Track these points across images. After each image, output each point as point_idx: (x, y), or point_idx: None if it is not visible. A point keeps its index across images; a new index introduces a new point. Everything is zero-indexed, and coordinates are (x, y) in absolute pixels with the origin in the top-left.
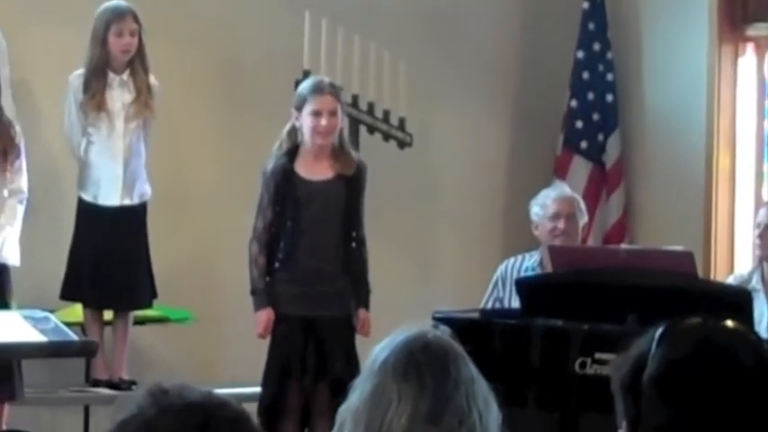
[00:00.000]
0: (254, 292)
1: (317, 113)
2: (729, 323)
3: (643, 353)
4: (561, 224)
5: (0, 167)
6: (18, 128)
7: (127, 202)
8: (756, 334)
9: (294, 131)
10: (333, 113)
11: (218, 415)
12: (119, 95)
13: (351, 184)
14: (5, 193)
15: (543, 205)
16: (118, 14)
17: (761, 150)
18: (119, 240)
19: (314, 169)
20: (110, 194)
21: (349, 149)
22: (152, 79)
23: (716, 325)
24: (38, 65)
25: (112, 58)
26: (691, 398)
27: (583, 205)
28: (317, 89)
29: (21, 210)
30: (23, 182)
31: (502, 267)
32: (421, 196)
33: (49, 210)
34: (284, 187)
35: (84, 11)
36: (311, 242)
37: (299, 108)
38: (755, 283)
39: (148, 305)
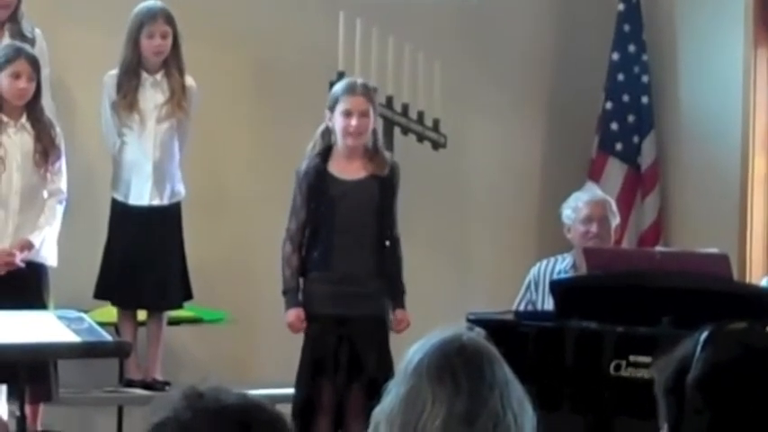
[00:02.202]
0: (285, 293)
1: (347, 113)
2: None
3: (687, 356)
4: (594, 228)
5: (41, 168)
6: (59, 129)
7: (156, 202)
8: None
9: (328, 132)
10: (364, 114)
11: (253, 418)
12: (151, 96)
13: (384, 185)
14: (45, 193)
15: (575, 208)
16: (150, 16)
17: None
18: (149, 240)
19: (347, 169)
20: (139, 194)
21: (382, 150)
22: (189, 81)
23: (761, 330)
24: (74, 65)
25: (145, 59)
26: (734, 402)
27: (615, 207)
28: (350, 89)
29: (60, 211)
30: (63, 183)
31: (534, 270)
32: (455, 197)
33: (84, 210)
34: (317, 187)
35: (122, 11)
36: (345, 242)
37: (332, 108)
38: None
39: (179, 306)
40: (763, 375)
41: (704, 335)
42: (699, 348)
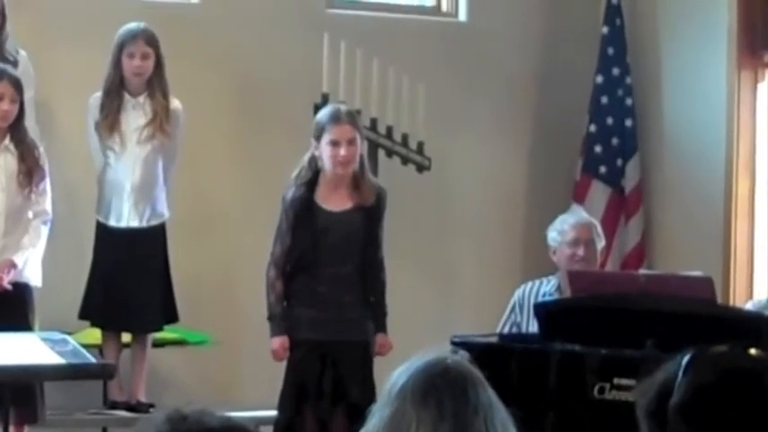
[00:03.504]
0: (270, 318)
1: (335, 143)
2: (756, 351)
3: (669, 379)
4: (581, 251)
5: (25, 189)
6: (42, 149)
7: (135, 224)
8: None
9: (314, 160)
10: (351, 142)
11: None
12: (133, 118)
13: (369, 215)
14: (30, 214)
15: (561, 231)
16: (131, 37)
17: None
18: (132, 262)
19: (333, 199)
20: (118, 216)
21: (369, 177)
22: (175, 103)
23: (743, 353)
24: (60, 87)
25: (127, 80)
26: (717, 425)
27: (600, 229)
28: (335, 118)
29: (45, 231)
30: (48, 203)
31: (519, 292)
32: (439, 220)
33: (69, 231)
34: (303, 217)
35: (108, 33)
36: (329, 270)
37: (318, 138)
38: None
39: (158, 329)
40: (744, 398)
41: (686, 358)
42: (681, 372)
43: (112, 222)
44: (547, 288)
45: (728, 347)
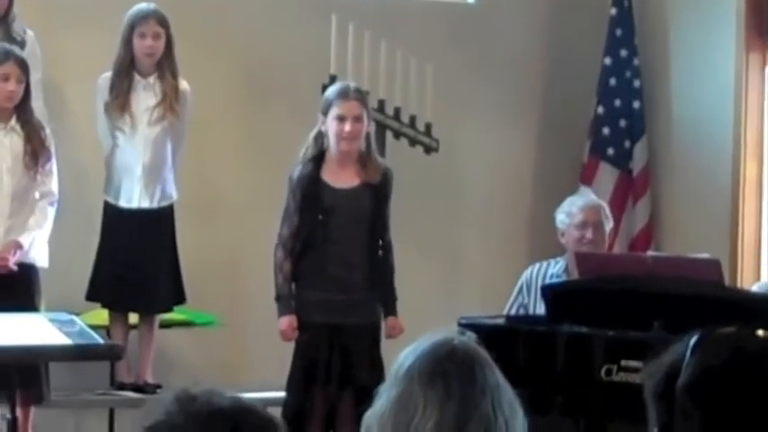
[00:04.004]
0: (278, 299)
1: (341, 118)
2: (763, 332)
3: (677, 360)
4: (589, 234)
5: (31, 170)
6: (48, 130)
7: (145, 204)
8: None
9: (320, 136)
10: (357, 119)
11: (246, 422)
12: (143, 98)
13: (377, 193)
14: (36, 195)
15: (569, 213)
16: (141, 17)
17: None
18: (140, 243)
19: (340, 177)
20: (128, 197)
21: (375, 156)
22: (184, 84)
23: (750, 334)
24: (69, 68)
25: (137, 61)
26: (724, 406)
27: (608, 211)
28: (342, 94)
29: (51, 212)
30: (54, 184)
31: (527, 273)
32: (447, 202)
33: (77, 212)
34: (311, 195)
35: (116, 14)
36: (337, 250)
37: (325, 113)
38: None
39: (168, 309)
40: (752, 379)
41: (694, 339)
42: (688, 353)
43: (123, 203)
44: (554, 270)
45: (736, 329)
